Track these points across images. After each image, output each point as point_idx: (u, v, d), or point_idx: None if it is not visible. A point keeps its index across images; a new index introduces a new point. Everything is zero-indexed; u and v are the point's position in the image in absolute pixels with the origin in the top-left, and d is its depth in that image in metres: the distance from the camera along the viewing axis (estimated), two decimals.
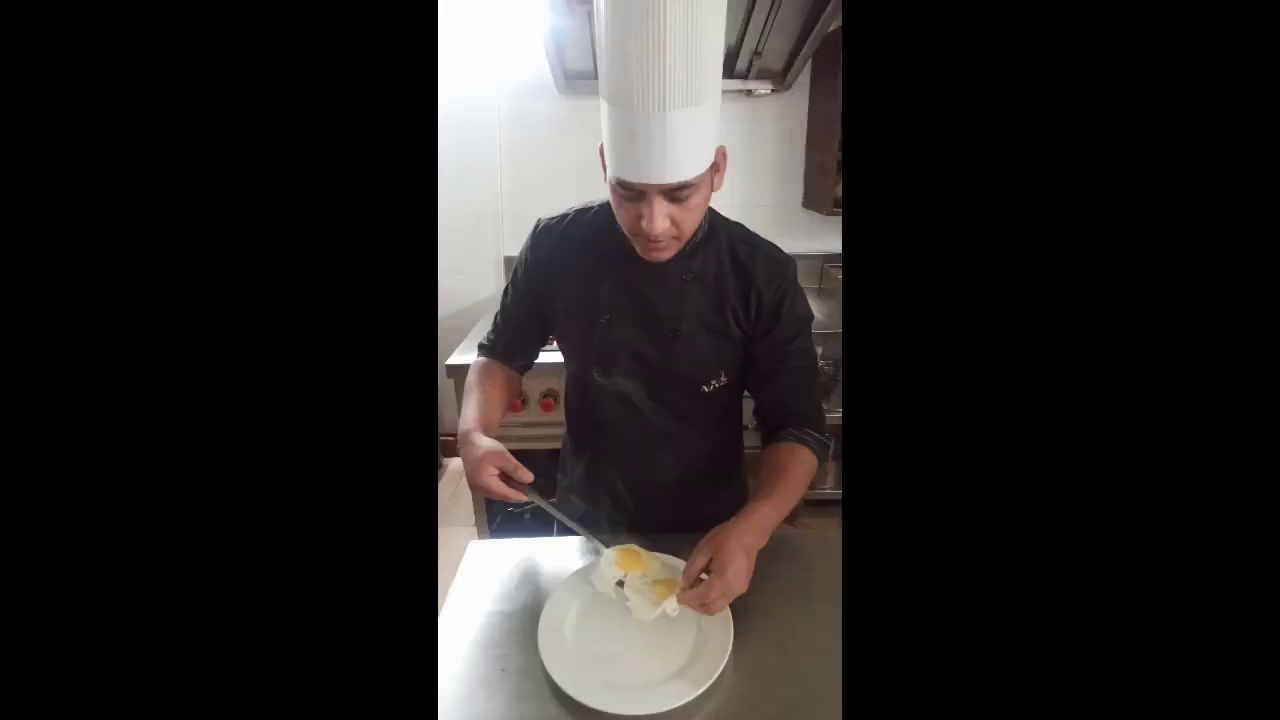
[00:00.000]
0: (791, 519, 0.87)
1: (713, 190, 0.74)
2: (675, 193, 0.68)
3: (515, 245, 2.33)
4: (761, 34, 1.81)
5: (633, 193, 0.68)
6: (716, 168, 0.72)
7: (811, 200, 2.16)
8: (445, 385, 1.73)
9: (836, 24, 1.79)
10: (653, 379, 0.84)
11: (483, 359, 0.95)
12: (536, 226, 0.88)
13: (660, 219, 0.68)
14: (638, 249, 0.75)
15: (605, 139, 0.68)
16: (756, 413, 0.91)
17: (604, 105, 0.66)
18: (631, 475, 0.93)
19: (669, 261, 0.77)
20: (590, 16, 1.67)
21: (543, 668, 0.66)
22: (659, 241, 0.71)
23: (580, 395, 0.93)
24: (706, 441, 0.92)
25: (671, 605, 0.69)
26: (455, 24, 1.95)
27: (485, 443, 0.78)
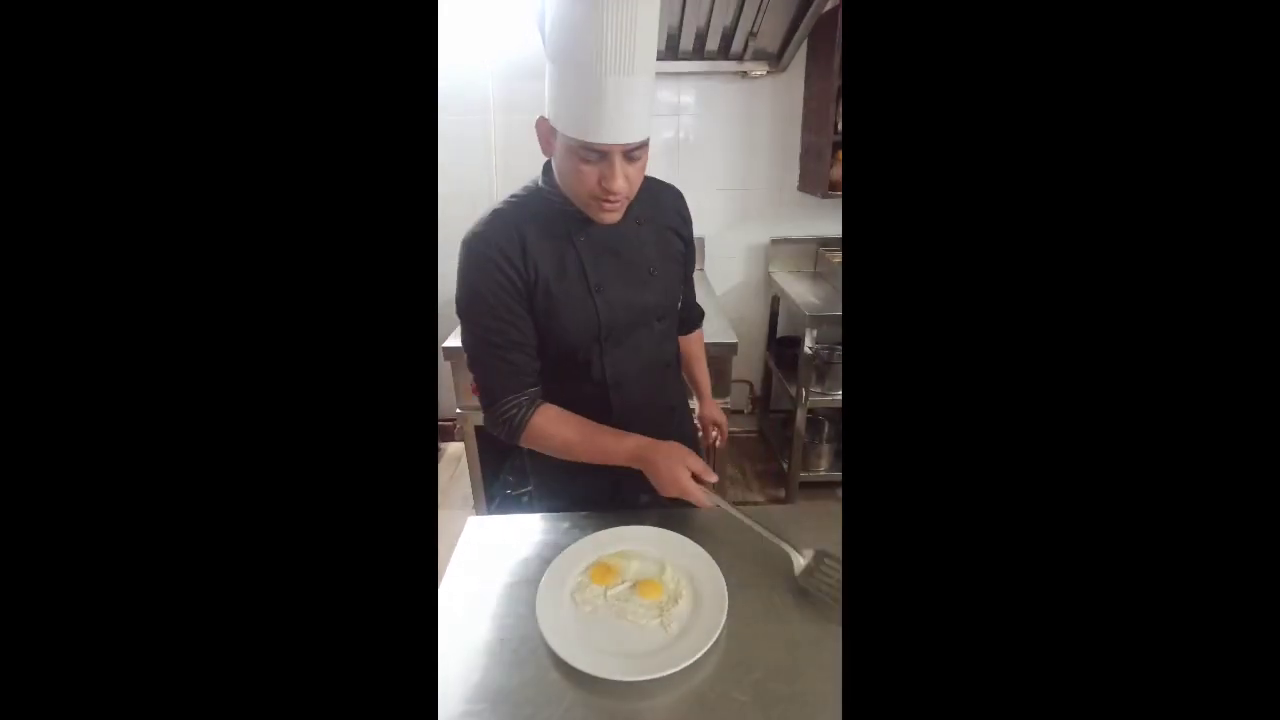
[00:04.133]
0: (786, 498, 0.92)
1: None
2: (632, 152, 0.75)
3: None
4: (757, 15, 1.80)
5: (595, 155, 0.74)
6: None
7: (807, 183, 2.16)
8: (442, 368, 1.74)
9: (831, 4, 1.78)
10: (648, 318, 0.92)
11: (532, 421, 0.86)
12: (474, 239, 0.84)
13: (620, 178, 0.75)
14: (590, 213, 0.81)
15: (560, 106, 0.73)
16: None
17: (558, 71, 0.72)
18: (652, 412, 0.97)
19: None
20: None
21: (541, 636, 0.68)
22: (616, 200, 0.77)
23: (586, 370, 0.90)
24: (678, 352, 1.07)
25: (668, 618, 0.71)
26: (447, 7, 1.93)
27: (666, 445, 0.82)
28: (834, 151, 1.94)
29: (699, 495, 0.79)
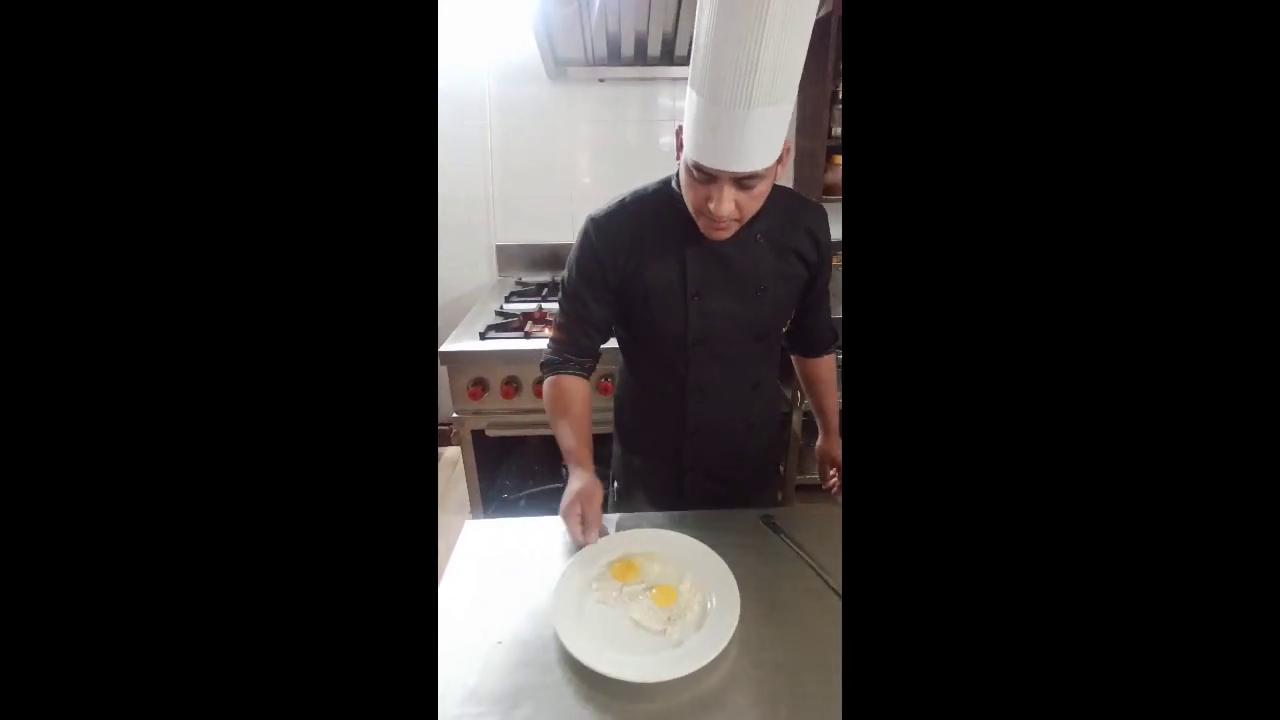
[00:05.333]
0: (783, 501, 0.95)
1: (775, 179, 0.80)
2: (744, 181, 0.74)
3: (506, 233, 2.34)
4: None
5: (705, 176, 0.75)
6: (780, 160, 0.78)
7: (801, 187, 2.17)
8: (439, 372, 1.73)
9: (825, 10, 1.80)
10: (746, 334, 0.92)
11: (553, 377, 0.95)
12: (591, 221, 0.90)
13: (728, 203, 0.75)
14: (699, 226, 0.82)
15: (687, 123, 0.75)
16: (797, 334, 1.06)
17: (691, 94, 0.73)
18: (730, 426, 0.98)
19: (740, 230, 0.83)
20: (580, 4, 1.66)
21: (556, 637, 0.68)
22: (722, 224, 0.78)
23: (670, 370, 0.94)
24: (773, 374, 1.04)
25: (673, 628, 0.71)
26: (444, 9, 1.94)
27: (577, 483, 0.85)
28: (828, 156, 1.95)
29: (575, 533, 0.82)
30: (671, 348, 0.91)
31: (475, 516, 1.88)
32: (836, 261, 1.97)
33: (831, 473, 1.11)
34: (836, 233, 2.24)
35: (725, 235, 0.81)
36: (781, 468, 2.14)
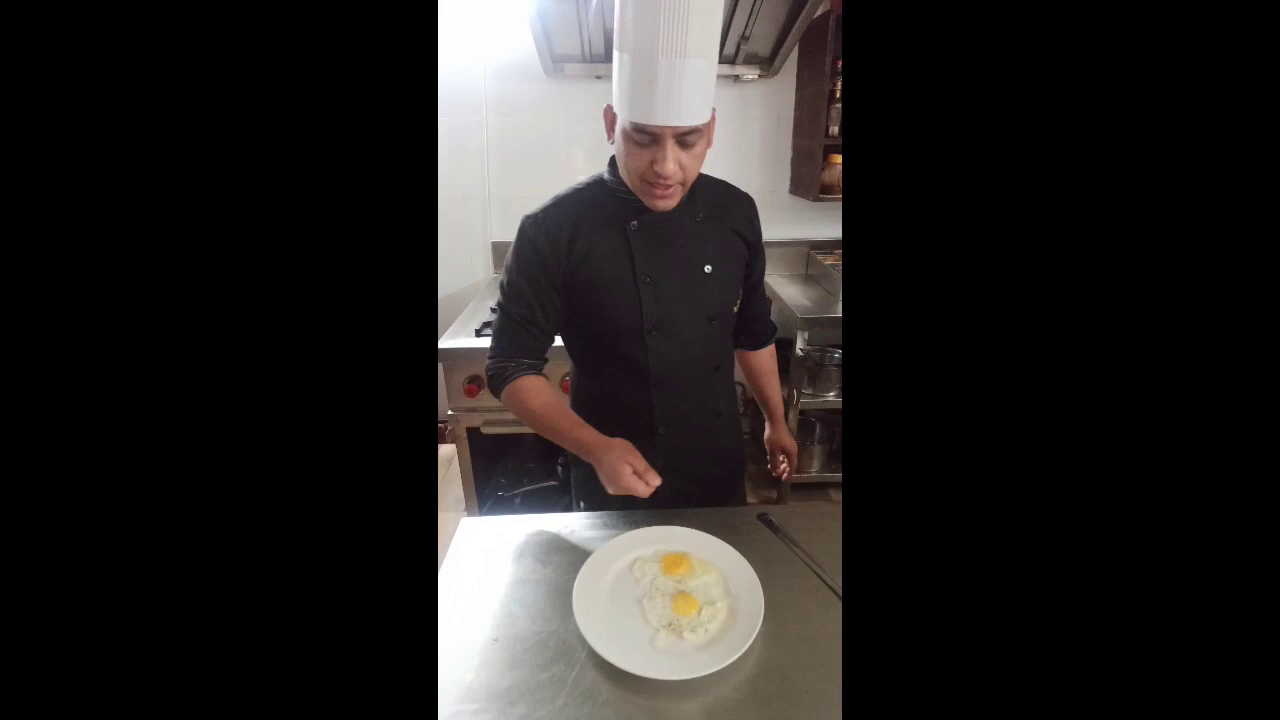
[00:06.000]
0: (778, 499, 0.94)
1: (708, 148, 0.82)
2: (685, 137, 0.77)
3: (503, 230, 2.33)
4: (749, 19, 1.81)
5: (647, 138, 0.76)
6: (709, 127, 0.81)
7: (798, 186, 2.18)
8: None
9: (823, 9, 1.80)
10: (699, 316, 0.92)
11: (510, 385, 0.91)
12: (529, 220, 0.89)
13: (671, 162, 0.77)
14: (644, 198, 0.83)
15: (621, 89, 0.77)
16: (739, 327, 1.05)
17: (621, 58, 0.75)
18: (697, 414, 0.97)
19: (679, 210, 0.85)
20: (577, 1, 1.66)
21: (577, 632, 0.68)
22: (668, 184, 0.78)
23: (629, 361, 0.92)
24: (730, 359, 1.03)
25: (682, 633, 0.70)
26: (442, 6, 1.93)
27: (605, 450, 0.83)
28: (825, 155, 1.95)
29: (640, 488, 0.79)
30: (628, 339, 0.90)
31: (470, 514, 1.87)
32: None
33: (781, 459, 1.14)
34: (820, 232, 2.27)
35: (671, 201, 0.82)
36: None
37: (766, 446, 1.16)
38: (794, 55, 2.04)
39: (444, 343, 1.69)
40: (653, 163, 0.77)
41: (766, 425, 1.17)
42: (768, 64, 2.02)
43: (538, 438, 1.23)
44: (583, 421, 0.88)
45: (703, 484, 1.00)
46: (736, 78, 2.06)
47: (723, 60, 1.99)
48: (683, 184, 0.81)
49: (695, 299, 0.90)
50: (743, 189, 0.99)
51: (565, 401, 0.95)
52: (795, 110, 2.15)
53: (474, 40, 2.00)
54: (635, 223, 0.87)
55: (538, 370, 0.94)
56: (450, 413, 1.71)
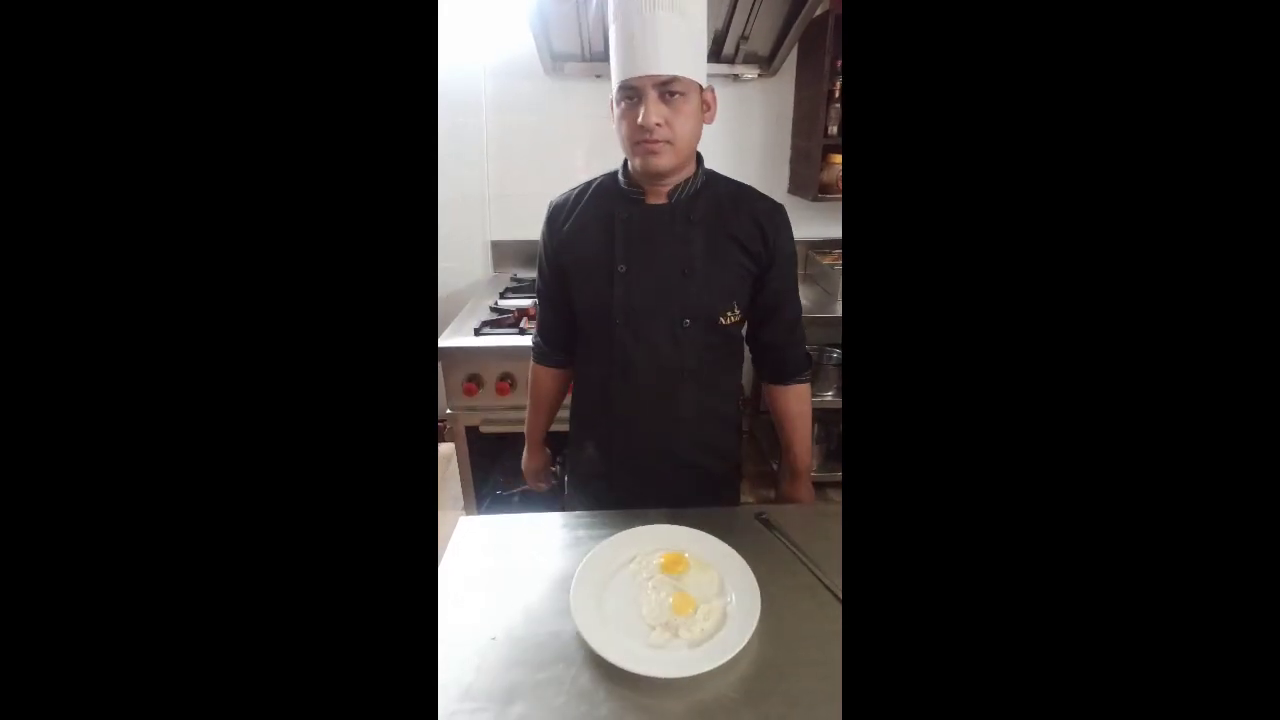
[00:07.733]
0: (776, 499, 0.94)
1: (704, 122, 0.85)
2: (668, 91, 0.79)
3: (502, 229, 2.33)
4: (748, 19, 1.81)
5: (632, 95, 0.80)
6: (707, 106, 0.85)
7: (797, 186, 2.17)
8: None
9: (822, 9, 1.80)
10: (671, 315, 0.90)
11: (533, 365, 1.08)
12: (549, 207, 0.97)
13: (654, 114, 0.78)
14: (636, 162, 0.85)
15: (613, 59, 0.81)
16: (759, 353, 1.02)
17: (613, 30, 0.80)
18: (654, 415, 0.95)
19: (673, 208, 0.88)
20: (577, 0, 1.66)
21: (575, 631, 0.68)
22: (654, 138, 0.80)
23: (600, 352, 0.94)
24: (722, 380, 0.97)
25: (673, 632, 0.70)
26: (442, 5, 1.93)
27: (530, 460, 1.13)
28: (824, 155, 1.95)
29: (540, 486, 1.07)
30: (598, 326, 0.93)
31: (469, 513, 1.87)
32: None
33: None
34: (819, 231, 2.27)
35: (660, 159, 0.82)
36: (776, 465, 2.14)
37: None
38: (793, 55, 2.04)
39: (443, 342, 1.69)
40: (637, 119, 0.79)
41: (786, 479, 1.06)
42: (767, 64, 2.02)
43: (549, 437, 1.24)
44: (539, 423, 1.10)
45: (657, 489, 0.96)
46: (736, 77, 2.05)
47: (722, 59, 1.99)
48: (670, 142, 0.81)
49: (668, 299, 0.89)
50: None
51: (564, 399, 1.05)
52: (794, 110, 2.15)
53: (473, 38, 2.00)
54: (625, 214, 0.89)
55: (549, 359, 1.05)
56: (449, 411, 1.71)
